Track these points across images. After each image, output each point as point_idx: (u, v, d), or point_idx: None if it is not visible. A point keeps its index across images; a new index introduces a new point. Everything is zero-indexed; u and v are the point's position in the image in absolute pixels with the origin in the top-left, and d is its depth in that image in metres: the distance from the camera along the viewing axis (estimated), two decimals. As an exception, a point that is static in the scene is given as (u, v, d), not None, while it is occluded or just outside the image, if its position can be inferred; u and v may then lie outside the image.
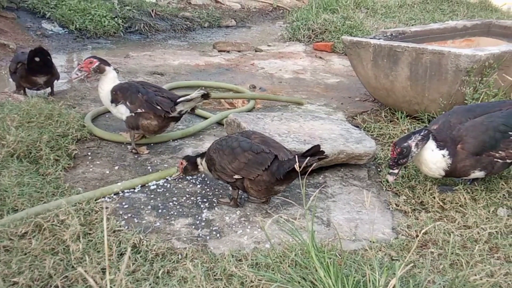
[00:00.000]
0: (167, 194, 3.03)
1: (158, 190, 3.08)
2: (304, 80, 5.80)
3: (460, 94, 3.78)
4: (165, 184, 3.14)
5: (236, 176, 2.68)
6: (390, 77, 4.15)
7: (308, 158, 2.42)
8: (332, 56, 7.02)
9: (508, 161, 2.89)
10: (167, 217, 2.77)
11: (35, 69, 4.37)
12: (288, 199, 2.96)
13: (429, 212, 2.88)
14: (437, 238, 2.57)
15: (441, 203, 2.93)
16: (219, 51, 7.10)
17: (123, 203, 2.89)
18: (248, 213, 2.85)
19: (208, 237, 2.60)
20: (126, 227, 2.61)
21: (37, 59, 4.33)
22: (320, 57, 6.91)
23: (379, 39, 4.47)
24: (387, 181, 3.12)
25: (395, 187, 3.17)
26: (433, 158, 2.87)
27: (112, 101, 3.48)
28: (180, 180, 3.18)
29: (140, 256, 2.34)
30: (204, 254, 2.40)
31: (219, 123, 4.18)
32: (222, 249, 2.49)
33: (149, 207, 2.87)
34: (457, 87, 3.77)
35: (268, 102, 4.89)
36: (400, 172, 3.01)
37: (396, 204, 2.97)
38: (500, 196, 2.99)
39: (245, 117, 3.61)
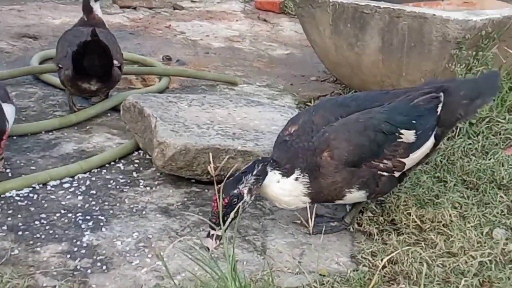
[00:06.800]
0: (32, 209, 2.96)
1: (19, 203, 3.00)
2: (241, 51, 5.80)
3: (449, 73, 3.87)
4: (31, 195, 3.07)
5: None
6: (355, 48, 4.21)
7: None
8: (281, 18, 7.06)
9: (396, 174, 2.89)
10: (31, 242, 2.70)
11: None
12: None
13: (402, 234, 2.93)
14: (411, 270, 2.62)
15: (418, 222, 2.99)
16: (122, 7, 6.98)
17: (-34, 222, 2.80)
18: (150, 236, 2.82)
19: (89, 271, 2.55)
20: (-31, 257, 2.53)
21: None
22: (265, 20, 6.94)
23: (342, -5, 4.51)
24: (208, 249, 2.60)
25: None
26: (285, 190, 2.78)
27: None
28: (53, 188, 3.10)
29: (-14, 299, 2.27)
30: (82, 295, 2.36)
31: (116, 108, 4.10)
32: (109, 287, 2.45)
33: (5, 227, 2.80)
34: (445, 63, 3.87)
35: (189, 80, 4.86)
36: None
37: (358, 224, 3.01)
38: (497, 213, 3.08)
39: (151, 100, 3.56)
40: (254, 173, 2.68)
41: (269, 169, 2.74)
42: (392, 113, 2.86)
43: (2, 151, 2.98)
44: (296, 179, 2.75)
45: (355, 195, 2.83)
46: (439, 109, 2.97)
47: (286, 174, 2.75)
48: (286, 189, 2.77)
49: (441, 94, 3.01)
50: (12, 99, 3.44)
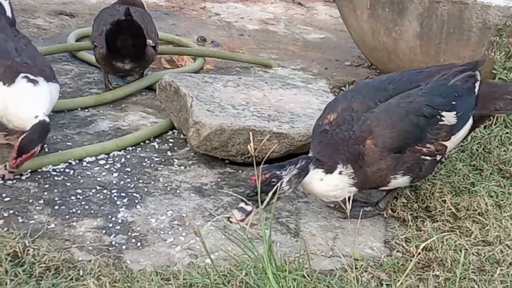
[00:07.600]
0: (68, 184, 2.99)
1: (56, 178, 3.03)
2: (275, 34, 5.79)
3: (488, 61, 3.82)
4: (67, 170, 3.10)
5: None
6: (393, 33, 4.18)
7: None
8: (316, 2, 7.03)
9: (438, 157, 2.88)
10: (67, 217, 2.74)
11: None
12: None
13: (437, 221, 2.92)
14: (445, 257, 2.61)
15: (453, 210, 2.98)
16: (157, -13, 7.00)
17: (3, 195, 2.84)
18: (184, 214, 2.84)
19: (124, 247, 2.58)
20: (5, 229, 2.56)
21: None
22: (300, 3, 6.91)
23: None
24: (229, 221, 2.58)
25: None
26: (330, 186, 2.77)
27: None
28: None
29: (23, 271, 2.30)
30: (117, 270, 2.38)
31: (151, 87, 4.12)
32: (144, 264, 2.48)
33: (41, 201, 2.83)
34: (484, 50, 3.83)
35: (223, 62, 4.87)
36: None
37: (391, 210, 3.01)
38: (534, 202, 3.06)
39: (187, 80, 3.58)
40: (298, 166, 2.67)
41: (311, 167, 2.71)
42: (432, 95, 2.84)
43: (18, 162, 2.94)
44: (340, 173, 2.74)
45: (399, 180, 2.81)
46: (476, 89, 2.95)
47: (329, 171, 2.74)
48: (331, 185, 2.76)
49: (477, 72, 3.00)
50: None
